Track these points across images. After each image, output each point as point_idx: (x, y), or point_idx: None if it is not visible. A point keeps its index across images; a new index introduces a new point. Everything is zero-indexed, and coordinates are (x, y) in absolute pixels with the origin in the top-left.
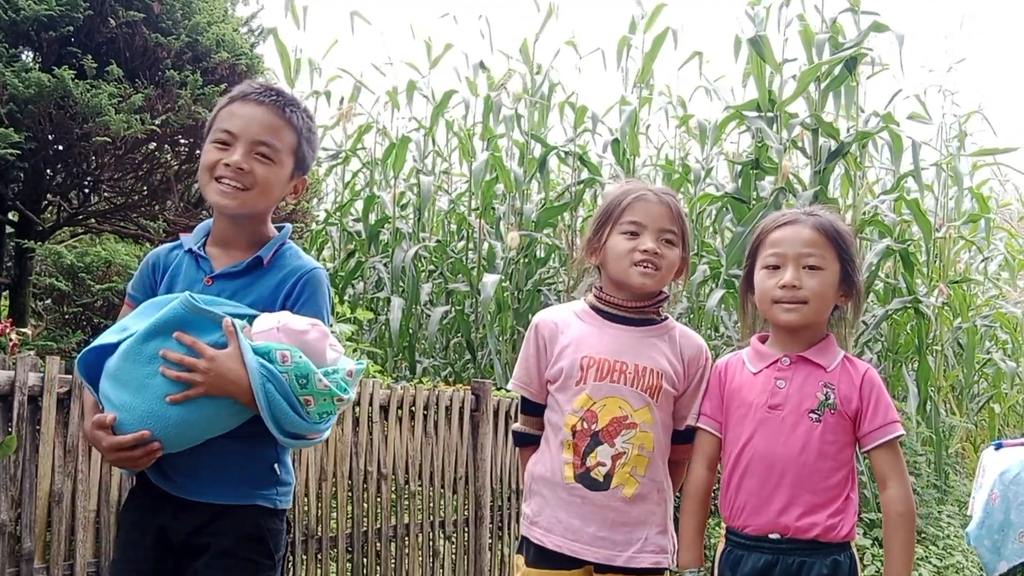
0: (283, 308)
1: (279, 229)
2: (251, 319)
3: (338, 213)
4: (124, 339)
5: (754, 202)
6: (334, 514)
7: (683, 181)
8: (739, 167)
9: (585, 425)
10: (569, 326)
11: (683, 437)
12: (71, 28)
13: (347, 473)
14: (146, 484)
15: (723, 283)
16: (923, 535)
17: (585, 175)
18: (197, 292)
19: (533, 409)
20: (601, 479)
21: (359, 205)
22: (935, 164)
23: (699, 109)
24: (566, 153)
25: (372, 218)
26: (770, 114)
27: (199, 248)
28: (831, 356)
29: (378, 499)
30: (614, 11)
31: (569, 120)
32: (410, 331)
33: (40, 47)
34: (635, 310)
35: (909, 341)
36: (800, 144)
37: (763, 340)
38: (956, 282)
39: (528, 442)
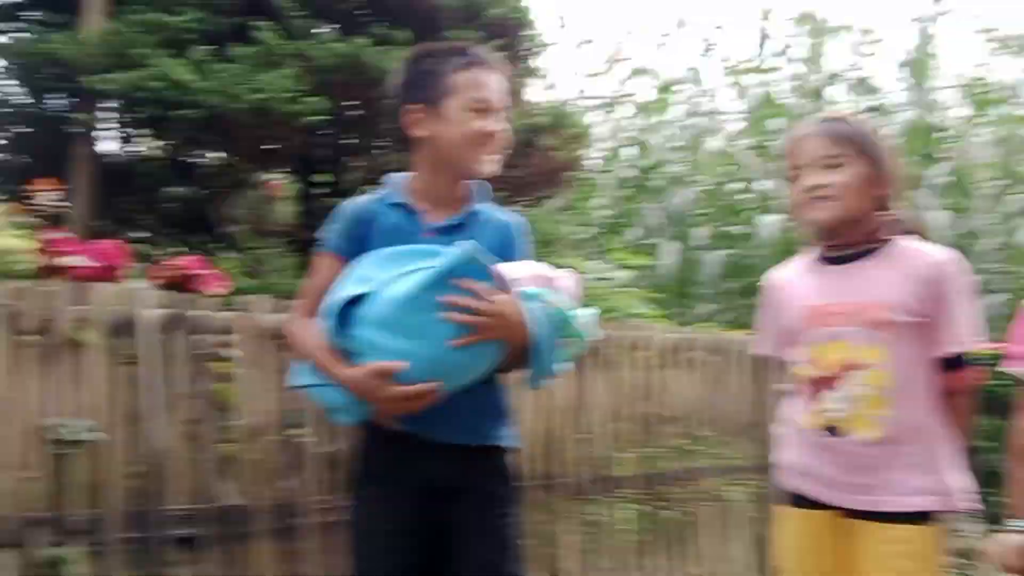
0: (501, 260)
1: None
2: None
3: (613, 159)
4: (376, 289)
5: None
6: (623, 455)
7: (990, 102)
8: None
9: (814, 373)
10: (793, 279)
11: (953, 364)
12: None
13: (635, 416)
14: (392, 434)
15: None
16: None
17: (873, 102)
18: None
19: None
20: (837, 424)
21: (631, 150)
22: None
23: (1004, 23)
24: (850, 80)
25: (645, 162)
26: None
27: (407, 200)
28: None
29: (666, 442)
30: None
31: (849, 45)
32: (686, 276)
33: (337, 19)
34: (847, 245)
35: None
36: None
37: None
38: None
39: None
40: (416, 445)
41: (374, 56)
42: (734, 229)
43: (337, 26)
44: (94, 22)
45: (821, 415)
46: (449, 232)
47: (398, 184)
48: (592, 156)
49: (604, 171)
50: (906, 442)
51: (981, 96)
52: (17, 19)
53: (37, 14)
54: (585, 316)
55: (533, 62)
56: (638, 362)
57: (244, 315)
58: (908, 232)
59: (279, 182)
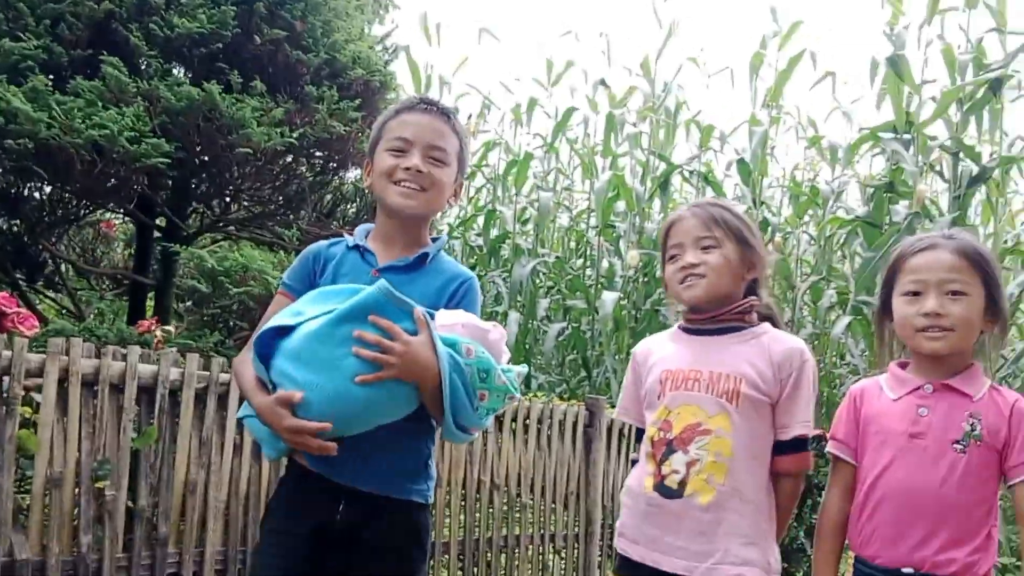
0: (445, 308)
1: (434, 240)
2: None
3: (461, 227)
4: (302, 322)
5: (887, 227)
6: (447, 520)
7: (811, 203)
8: (871, 190)
9: (661, 434)
10: (659, 348)
11: (787, 448)
12: (219, 45)
13: (461, 481)
14: (302, 472)
15: (851, 309)
16: None
17: (709, 195)
18: (363, 283)
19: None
20: (675, 487)
21: (481, 220)
22: None
23: (828, 132)
24: (690, 172)
25: (493, 233)
26: (907, 136)
27: (364, 243)
28: (977, 385)
29: (490, 509)
30: (737, 28)
31: (694, 138)
32: (526, 346)
33: (191, 63)
34: (713, 319)
35: None
36: (938, 168)
37: (903, 366)
38: None
39: None
40: (320, 487)
41: (228, 104)
42: (576, 303)
43: (188, 71)
44: None
45: (660, 476)
46: (395, 271)
47: (362, 231)
48: (444, 222)
49: (455, 237)
50: (734, 511)
51: (803, 197)
52: None
53: None
54: (510, 372)
55: None
56: None
57: (55, 358)
58: (765, 317)
59: (112, 222)
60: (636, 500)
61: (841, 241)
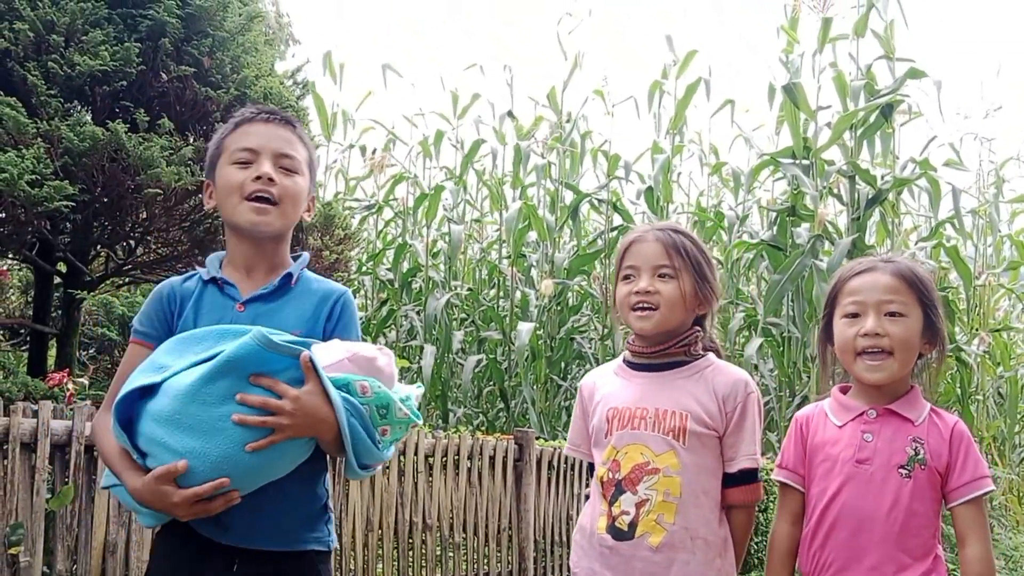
0: (324, 331)
1: (295, 259)
2: (305, 347)
3: (371, 262)
4: (168, 377)
5: (790, 249)
6: (380, 565)
7: (717, 228)
8: (774, 214)
9: (610, 475)
10: (604, 383)
11: (735, 480)
12: (124, 83)
13: (392, 524)
14: (185, 534)
15: (761, 331)
16: None
17: (618, 222)
18: (228, 321)
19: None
20: (625, 528)
21: (391, 254)
22: (972, 211)
23: (731, 158)
24: (598, 200)
25: (404, 267)
26: (805, 161)
27: (220, 274)
28: (919, 409)
29: (423, 550)
30: (644, 59)
31: (601, 167)
32: (442, 379)
33: (93, 101)
34: (658, 354)
35: (950, 390)
36: (836, 191)
37: (844, 391)
38: (997, 330)
39: None
40: (207, 551)
41: (135, 143)
42: (491, 335)
43: (89, 109)
44: None
45: (611, 517)
46: (262, 300)
47: (215, 261)
48: (355, 257)
49: (365, 273)
50: (685, 550)
51: (709, 223)
52: None
53: None
54: (409, 400)
55: None
56: (396, 468)
57: None
58: (707, 348)
59: (5, 269)
60: (589, 540)
61: (747, 265)
